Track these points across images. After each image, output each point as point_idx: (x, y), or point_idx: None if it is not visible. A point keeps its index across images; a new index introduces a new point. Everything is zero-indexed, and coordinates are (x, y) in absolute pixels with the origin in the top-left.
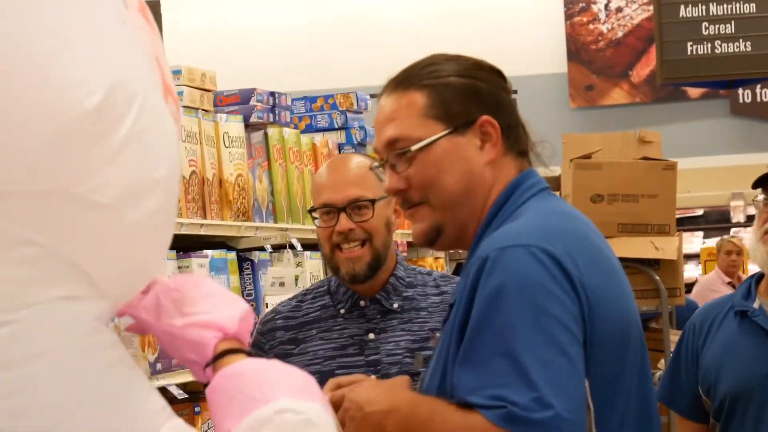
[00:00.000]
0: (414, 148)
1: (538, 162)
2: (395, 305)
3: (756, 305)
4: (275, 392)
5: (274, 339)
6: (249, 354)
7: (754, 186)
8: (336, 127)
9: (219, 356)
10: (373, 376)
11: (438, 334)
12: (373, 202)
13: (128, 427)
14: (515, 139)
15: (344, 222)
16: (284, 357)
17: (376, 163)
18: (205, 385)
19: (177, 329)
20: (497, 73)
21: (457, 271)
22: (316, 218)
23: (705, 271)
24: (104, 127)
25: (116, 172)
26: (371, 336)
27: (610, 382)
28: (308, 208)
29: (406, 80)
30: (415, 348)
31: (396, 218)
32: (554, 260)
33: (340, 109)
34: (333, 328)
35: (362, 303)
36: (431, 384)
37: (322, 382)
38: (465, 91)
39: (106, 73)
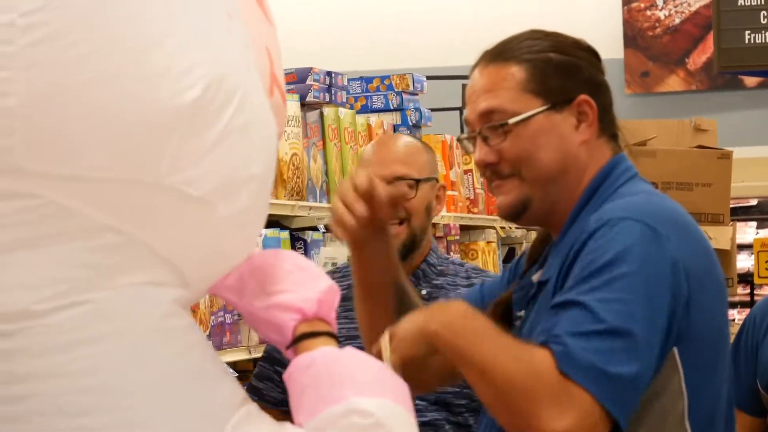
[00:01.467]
0: (511, 121)
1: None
2: (423, 292)
3: None
4: (345, 390)
5: None
6: (329, 334)
7: None
8: (392, 108)
9: (298, 340)
10: None
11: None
12: (417, 182)
13: (201, 408)
14: (609, 121)
15: None
16: None
17: (463, 135)
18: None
19: (258, 310)
20: (594, 54)
21: (509, 256)
22: None
23: (758, 262)
24: (201, 121)
25: (211, 166)
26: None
27: (706, 372)
28: None
29: (504, 52)
30: None
31: (437, 204)
32: (660, 239)
33: (396, 90)
34: None
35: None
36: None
37: None
38: (564, 68)
39: (207, 67)
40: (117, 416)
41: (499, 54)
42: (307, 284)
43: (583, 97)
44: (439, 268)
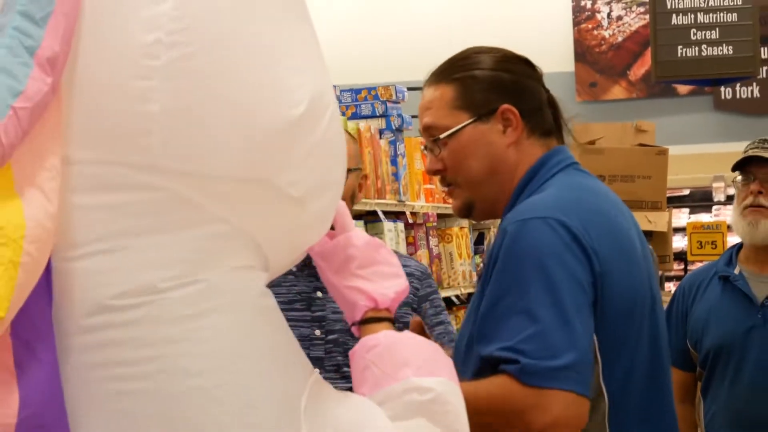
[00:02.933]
0: (442, 136)
1: (569, 135)
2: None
3: (737, 271)
4: (405, 370)
5: None
6: (390, 320)
7: (734, 169)
8: (377, 114)
9: (365, 322)
10: (317, 331)
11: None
12: (349, 171)
13: (289, 375)
14: (538, 121)
15: None
16: None
17: (422, 146)
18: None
19: (340, 284)
20: (525, 62)
21: (479, 239)
22: None
23: (690, 242)
24: (303, 132)
25: (307, 170)
26: (319, 294)
27: (617, 339)
28: None
29: (441, 73)
30: None
31: (359, 192)
32: (567, 229)
33: (381, 99)
34: (282, 283)
35: (314, 263)
36: (464, 332)
37: None
38: (488, 83)
39: (311, 85)
40: (225, 378)
41: (438, 74)
42: (388, 280)
43: (505, 106)
44: None
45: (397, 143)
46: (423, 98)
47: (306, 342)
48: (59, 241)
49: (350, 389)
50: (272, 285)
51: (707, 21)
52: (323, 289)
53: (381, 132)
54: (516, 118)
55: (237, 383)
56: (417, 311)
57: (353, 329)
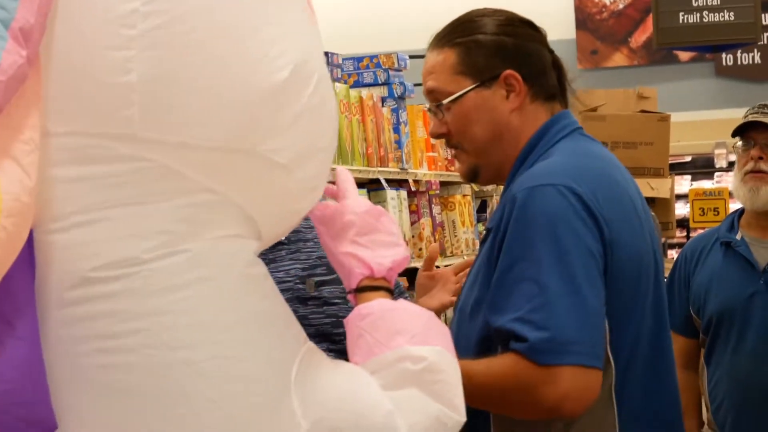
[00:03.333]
0: (446, 101)
1: (573, 97)
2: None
3: (738, 237)
4: (398, 338)
5: None
6: (387, 290)
7: (733, 135)
8: (380, 82)
9: (361, 290)
10: None
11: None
12: None
13: (279, 344)
14: (542, 85)
15: None
16: None
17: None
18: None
19: (337, 251)
20: (529, 25)
21: (482, 207)
22: None
23: (692, 209)
24: (287, 99)
25: (293, 137)
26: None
27: (625, 307)
28: None
29: (443, 38)
30: (305, 275)
31: None
32: (578, 197)
33: (383, 67)
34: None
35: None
36: (469, 296)
37: None
38: (491, 48)
39: (294, 51)
40: (211, 350)
41: (440, 39)
42: (387, 249)
43: (508, 71)
44: None
45: (400, 111)
46: (426, 62)
47: None
48: (40, 214)
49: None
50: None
51: None
52: (265, 260)
53: (383, 100)
54: (519, 84)
55: (223, 354)
56: None
57: (349, 297)
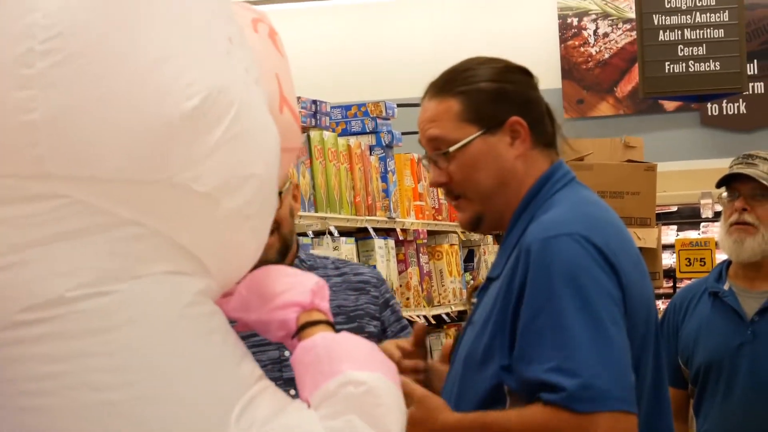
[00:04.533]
0: (452, 149)
1: (564, 144)
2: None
3: (726, 287)
4: (341, 365)
5: None
6: (327, 323)
7: (718, 186)
8: (368, 131)
9: (301, 329)
10: (286, 352)
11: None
12: (279, 193)
13: (216, 387)
14: (542, 132)
15: None
16: None
17: (422, 156)
18: None
19: (264, 316)
20: (525, 72)
21: (469, 256)
22: None
23: (679, 259)
24: (202, 127)
25: (213, 165)
26: None
27: (638, 355)
28: None
29: (444, 86)
30: None
31: (295, 204)
32: (593, 245)
33: (371, 116)
34: None
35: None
36: (477, 344)
37: None
38: (495, 95)
39: (205, 82)
40: (137, 392)
41: (441, 87)
42: (298, 284)
43: (513, 118)
44: (308, 263)
45: (387, 160)
46: (425, 111)
47: (276, 364)
48: None
49: None
50: None
51: (694, 37)
52: None
53: (371, 148)
54: (524, 130)
55: (151, 397)
56: (379, 319)
57: (293, 344)
